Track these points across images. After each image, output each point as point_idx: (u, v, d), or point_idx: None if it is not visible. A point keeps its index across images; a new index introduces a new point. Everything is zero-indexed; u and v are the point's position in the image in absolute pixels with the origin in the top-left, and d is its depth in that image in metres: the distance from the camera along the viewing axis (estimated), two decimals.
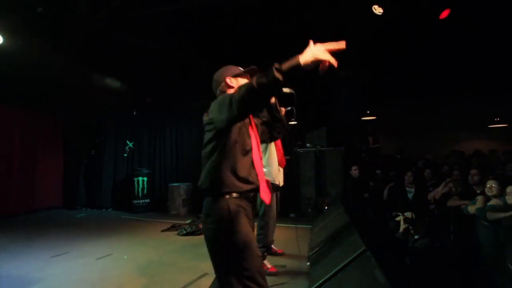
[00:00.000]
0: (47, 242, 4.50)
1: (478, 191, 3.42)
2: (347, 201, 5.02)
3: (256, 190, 1.65)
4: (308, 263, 3.27)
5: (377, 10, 4.19)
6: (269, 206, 3.40)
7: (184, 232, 4.91)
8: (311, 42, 1.29)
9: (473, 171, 3.64)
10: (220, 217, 1.51)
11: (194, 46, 5.12)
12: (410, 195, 4.52)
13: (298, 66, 1.28)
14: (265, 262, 3.21)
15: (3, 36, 4.05)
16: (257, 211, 3.26)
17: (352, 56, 5.81)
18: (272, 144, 3.46)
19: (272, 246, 3.76)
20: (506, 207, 2.74)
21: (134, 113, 7.60)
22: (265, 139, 1.86)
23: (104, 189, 7.58)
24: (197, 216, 5.87)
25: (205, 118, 1.61)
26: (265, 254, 3.34)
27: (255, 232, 2.88)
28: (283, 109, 3.15)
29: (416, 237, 3.68)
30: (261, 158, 1.71)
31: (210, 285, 1.75)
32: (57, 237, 4.77)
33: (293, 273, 3.18)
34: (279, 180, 3.51)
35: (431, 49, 5.39)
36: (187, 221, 5.56)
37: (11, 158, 6.53)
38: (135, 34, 4.80)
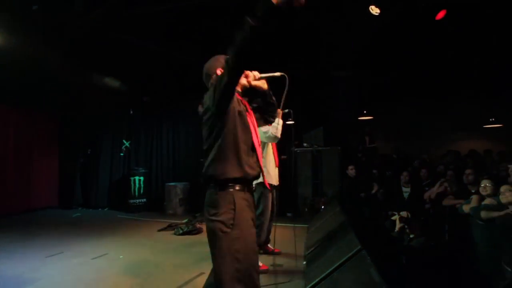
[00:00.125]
0: (42, 242, 4.46)
1: (473, 191, 3.45)
2: (343, 200, 5.04)
3: (258, 176, 1.65)
4: (304, 262, 3.28)
5: (374, 10, 4.21)
6: (266, 206, 3.41)
7: (181, 231, 4.90)
8: None
9: (468, 171, 3.67)
10: (226, 210, 1.50)
11: (191, 45, 5.11)
12: (406, 195, 4.55)
13: (271, 5, 1.28)
14: None
15: None
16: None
17: (349, 56, 5.85)
18: (270, 145, 3.48)
19: (269, 245, 3.77)
20: (500, 207, 2.77)
21: (131, 112, 7.56)
22: (260, 124, 1.87)
23: (100, 189, 7.53)
24: (193, 215, 5.86)
25: (200, 110, 1.62)
26: (261, 251, 3.36)
27: None
28: (280, 111, 3.16)
29: (411, 236, 3.70)
30: (259, 145, 1.72)
31: (207, 278, 1.76)
32: (52, 237, 4.74)
33: (290, 272, 3.19)
34: (276, 179, 3.54)
35: (427, 50, 5.43)
36: (184, 221, 5.55)
37: (6, 157, 6.47)
38: (132, 33, 4.78)
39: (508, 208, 2.68)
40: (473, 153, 6.19)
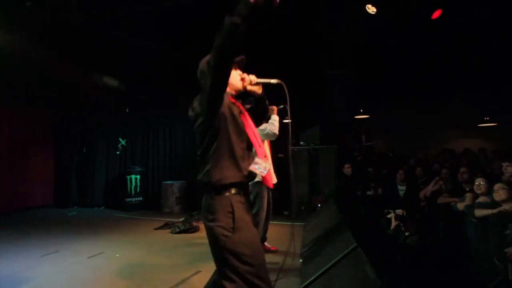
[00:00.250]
0: (38, 240, 4.44)
1: (467, 189, 3.49)
2: (339, 199, 5.07)
3: (254, 178, 1.64)
4: (301, 260, 3.29)
5: (371, 9, 4.22)
6: (261, 206, 3.40)
7: (177, 230, 4.90)
8: None
9: (463, 169, 3.71)
10: (224, 215, 1.49)
11: (188, 43, 5.09)
12: (401, 193, 4.58)
13: (249, 3, 1.31)
14: None
15: None
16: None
17: (346, 55, 5.87)
18: (266, 143, 3.48)
19: (266, 243, 3.78)
20: (493, 204, 2.80)
21: (127, 110, 7.52)
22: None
23: (96, 187, 7.50)
24: (190, 214, 5.86)
25: (191, 114, 1.61)
26: None
27: None
28: (275, 108, 3.16)
29: (406, 233, 3.73)
30: (260, 145, 1.70)
31: (208, 280, 1.76)
32: (48, 236, 4.71)
33: (286, 270, 3.20)
34: (274, 178, 3.52)
35: (423, 49, 5.46)
36: (181, 219, 5.54)
37: (1, 156, 6.42)
38: (128, 31, 4.74)
39: (501, 206, 2.72)
40: (468, 152, 6.25)
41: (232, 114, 1.58)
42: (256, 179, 1.78)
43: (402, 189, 4.60)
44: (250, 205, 1.67)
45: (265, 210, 3.46)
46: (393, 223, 3.92)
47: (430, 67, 6.13)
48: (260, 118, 1.88)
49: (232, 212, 1.49)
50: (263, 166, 1.61)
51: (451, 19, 4.35)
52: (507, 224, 2.58)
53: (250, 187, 1.72)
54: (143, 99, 7.10)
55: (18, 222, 5.73)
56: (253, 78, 1.73)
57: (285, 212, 6.25)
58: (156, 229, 5.18)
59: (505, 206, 2.67)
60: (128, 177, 6.98)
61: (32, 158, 7.11)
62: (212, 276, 1.75)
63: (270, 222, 3.70)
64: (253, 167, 1.60)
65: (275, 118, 3.11)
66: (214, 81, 1.46)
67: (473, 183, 3.23)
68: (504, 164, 3.30)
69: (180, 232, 4.87)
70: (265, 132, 3.08)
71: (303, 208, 6.03)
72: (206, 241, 1.56)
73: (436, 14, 4.19)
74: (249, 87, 1.73)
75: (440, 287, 2.66)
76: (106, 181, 7.54)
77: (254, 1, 1.30)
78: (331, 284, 2.24)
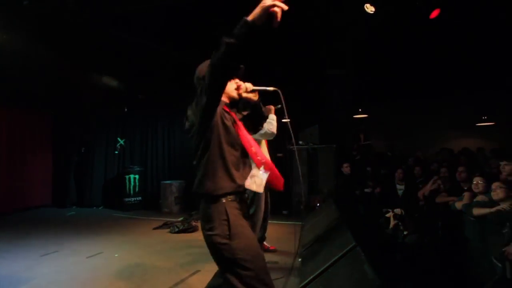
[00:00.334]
0: (37, 240, 4.43)
1: (465, 188, 3.50)
2: (338, 198, 5.08)
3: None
4: (300, 259, 3.30)
5: (369, 9, 4.23)
6: (259, 207, 3.39)
7: (176, 229, 4.90)
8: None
9: (461, 168, 3.72)
10: (219, 223, 1.50)
11: (187, 43, 5.08)
12: (400, 192, 4.59)
13: (247, 24, 1.31)
14: None
15: None
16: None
17: (344, 55, 5.87)
18: (264, 143, 3.45)
19: (265, 243, 3.79)
20: (491, 203, 2.81)
21: (125, 109, 7.51)
22: (250, 133, 1.88)
23: (95, 187, 7.49)
24: (189, 213, 5.86)
25: (187, 124, 1.62)
26: None
27: None
28: (272, 107, 3.15)
29: (405, 233, 3.74)
30: (256, 154, 1.69)
31: (210, 281, 1.75)
32: (46, 236, 4.70)
33: (285, 270, 3.21)
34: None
35: (421, 49, 5.47)
36: (179, 219, 5.54)
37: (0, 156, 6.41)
38: (126, 30, 4.73)
39: (499, 204, 2.73)
40: (466, 151, 6.27)
41: (224, 124, 1.58)
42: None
43: (400, 188, 4.60)
44: (247, 209, 1.68)
45: (263, 210, 3.45)
46: (392, 222, 3.93)
47: (428, 67, 6.14)
48: (257, 124, 1.89)
49: (227, 220, 1.50)
50: (260, 179, 1.62)
51: (450, 18, 4.36)
52: (505, 223, 2.59)
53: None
54: (142, 98, 7.09)
55: (17, 222, 5.72)
56: (248, 85, 1.74)
57: (284, 212, 6.26)
58: (155, 229, 5.18)
59: (503, 205, 2.68)
60: (127, 177, 6.98)
61: (31, 158, 7.09)
62: (214, 277, 1.75)
63: (270, 221, 3.70)
64: (248, 184, 1.60)
65: (272, 118, 3.11)
66: (208, 99, 1.47)
67: (471, 182, 3.24)
68: (502, 163, 3.31)
69: (179, 231, 4.87)
70: (264, 132, 3.07)
71: (302, 207, 6.04)
72: None
73: (434, 13, 4.20)
74: (244, 95, 1.74)
75: (439, 286, 2.67)
76: (104, 181, 7.53)
77: (252, 22, 1.30)
78: (330, 283, 2.24)
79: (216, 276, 1.74)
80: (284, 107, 1.80)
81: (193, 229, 4.94)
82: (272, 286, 1.51)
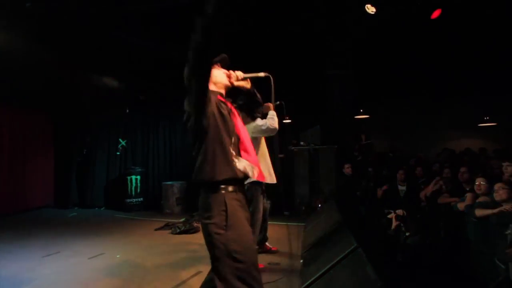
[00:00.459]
0: (38, 241, 4.44)
1: (468, 189, 3.49)
2: (340, 199, 5.07)
3: (248, 175, 1.65)
4: (301, 261, 3.29)
5: (370, 9, 4.23)
6: (257, 208, 3.36)
7: (178, 230, 4.90)
8: None
9: (463, 169, 3.71)
10: (217, 212, 1.52)
11: (188, 44, 5.08)
12: (402, 193, 4.58)
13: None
14: None
15: None
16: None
17: (346, 55, 5.87)
18: (263, 142, 3.41)
19: (267, 243, 3.77)
20: (494, 204, 2.80)
21: (127, 110, 7.52)
22: (248, 122, 1.89)
23: (97, 188, 7.49)
24: (191, 214, 5.86)
25: (184, 116, 1.64)
26: (260, 250, 3.35)
27: None
28: (271, 104, 3.14)
29: (407, 234, 3.73)
30: (249, 145, 1.71)
31: (205, 278, 1.77)
32: (48, 237, 4.71)
33: (286, 271, 3.20)
34: (271, 178, 3.47)
35: (423, 49, 5.46)
36: (181, 220, 5.55)
37: (1, 157, 6.41)
38: (128, 31, 4.75)
39: (501, 205, 2.72)
40: (468, 152, 6.25)
41: (221, 113, 1.60)
42: (250, 180, 1.78)
43: (402, 189, 4.59)
44: (247, 203, 1.69)
45: (261, 212, 3.42)
46: (394, 223, 3.91)
47: (430, 67, 6.13)
48: (254, 112, 1.91)
49: (226, 210, 1.52)
50: (251, 166, 1.64)
51: (452, 19, 4.35)
52: (508, 224, 2.58)
53: (247, 186, 1.73)
54: (143, 99, 7.10)
55: (18, 223, 5.73)
56: (239, 73, 1.77)
57: (286, 213, 6.25)
58: (156, 229, 5.18)
59: (506, 206, 2.67)
60: (129, 177, 6.98)
61: (33, 159, 7.10)
62: (208, 274, 1.76)
63: (271, 222, 3.69)
64: (244, 167, 1.62)
65: (273, 113, 3.09)
66: (195, 83, 1.50)
67: (473, 183, 3.23)
68: (504, 164, 3.30)
69: (181, 232, 4.87)
70: (265, 128, 3.04)
71: (303, 208, 6.03)
72: None
73: (436, 14, 4.20)
74: (236, 83, 1.76)
75: (441, 287, 2.66)
76: (106, 182, 7.54)
77: None
78: (331, 284, 2.24)
79: (210, 272, 1.74)
80: (273, 93, 1.82)
81: (194, 230, 4.94)
82: (261, 282, 1.52)
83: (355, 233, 2.66)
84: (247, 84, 1.80)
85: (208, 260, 1.56)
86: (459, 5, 4.21)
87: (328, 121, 6.48)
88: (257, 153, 3.28)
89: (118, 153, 7.59)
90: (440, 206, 3.79)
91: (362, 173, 5.72)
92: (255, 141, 3.24)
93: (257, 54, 5.06)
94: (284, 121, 3.21)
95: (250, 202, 3.24)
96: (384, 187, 4.84)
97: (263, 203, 3.45)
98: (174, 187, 6.70)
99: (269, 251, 3.75)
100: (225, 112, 1.62)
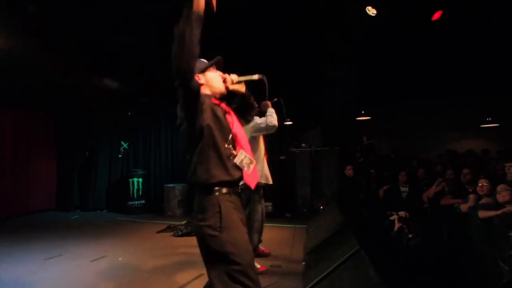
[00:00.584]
0: (41, 244, 4.44)
1: (470, 190, 3.47)
2: (342, 201, 5.05)
3: (242, 177, 1.64)
4: (304, 263, 3.28)
5: (371, 11, 4.23)
6: (253, 210, 3.33)
7: (180, 233, 4.90)
8: None
9: (466, 170, 3.69)
10: (212, 214, 1.51)
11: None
12: (404, 194, 4.56)
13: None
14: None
15: None
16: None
17: (347, 56, 5.87)
18: (261, 141, 3.39)
19: (260, 246, 3.68)
20: (497, 205, 2.78)
21: (129, 113, 7.55)
22: (242, 124, 1.88)
23: (99, 191, 7.51)
24: (192, 217, 5.85)
25: (178, 120, 1.64)
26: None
27: None
28: (269, 102, 3.12)
29: (410, 236, 3.71)
30: (245, 145, 1.70)
31: (206, 282, 1.76)
32: (50, 239, 4.72)
33: (288, 273, 3.19)
34: (267, 178, 3.39)
35: (424, 50, 5.46)
36: (183, 222, 5.54)
37: (3, 159, 6.44)
38: (129, 33, 4.77)
39: (504, 207, 2.70)
40: (471, 153, 6.22)
41: (215, 115, 1.59)
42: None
43: (404, 190, 4.58)
44: (242, 205, 1.68)
45: (259, 212, 3.39)
46: (396, 225, 3.90)
47: (431, 68, 6.12)
48: (248, 115, 1.89)
49: (220, 211, 1.51)
50: (248, 158, 1.63)
51: (453, 20, 4.35)
52: (511, 226, 2.56)
53: (241, 188, 1.72)
54: (145, 102, 7.12)
55: (20, 226, 5.74)
56: (234, 77, 1.75)
57: (287, 215, 6.23)
58: (158, 232, 5.17)
59: (509, 207, 2.65)
60: (130, 180, 7.00)
61: (35, 162, 7.13)
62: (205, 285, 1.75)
63: (273, 224, 3.67)
64: (241, 160, 1.61)
65: (272, 111, 3.06)
66: (181, 82, 1.48)
67: (476, 184, 3.21)
68: (507, 165, 3.28)
69: (183, 235, 4.86)
70: (264, 125, 3.01)
71: (305, 210, 6.01)
72: None
73: (437, 15, 4.20)
74: (231, 87, 1.74)
75: None
76: (108, 184, 7.55)
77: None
78: (334, 287, 2.23)
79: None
80: (267, 94, 1.80)
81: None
82: (258, 283, 1.50)
83: (357, 235, 2.65)
84: (241, 88, 1.79)
85: (205, 266, 1.55)
86: (460, 6, 4.21)
87: (329, 122, 6.48)
88: (254, 153, 3.27)
89: (120, 155, 7.61)
90: (442, 207, 3.78)
91: (364, 174, 5.70)
92: (254, 141, 3.22)
93: (258, 55, 5.07)
94: (286, 122, 3.19)
95: (247, 203, 3.23)
96: (385, 187, 4.83)
97: (260, 205, 3.43)
98: (176, 189, 6.71)
99: (261, 254, 3.65)
100: (220, 114, 1.61)
